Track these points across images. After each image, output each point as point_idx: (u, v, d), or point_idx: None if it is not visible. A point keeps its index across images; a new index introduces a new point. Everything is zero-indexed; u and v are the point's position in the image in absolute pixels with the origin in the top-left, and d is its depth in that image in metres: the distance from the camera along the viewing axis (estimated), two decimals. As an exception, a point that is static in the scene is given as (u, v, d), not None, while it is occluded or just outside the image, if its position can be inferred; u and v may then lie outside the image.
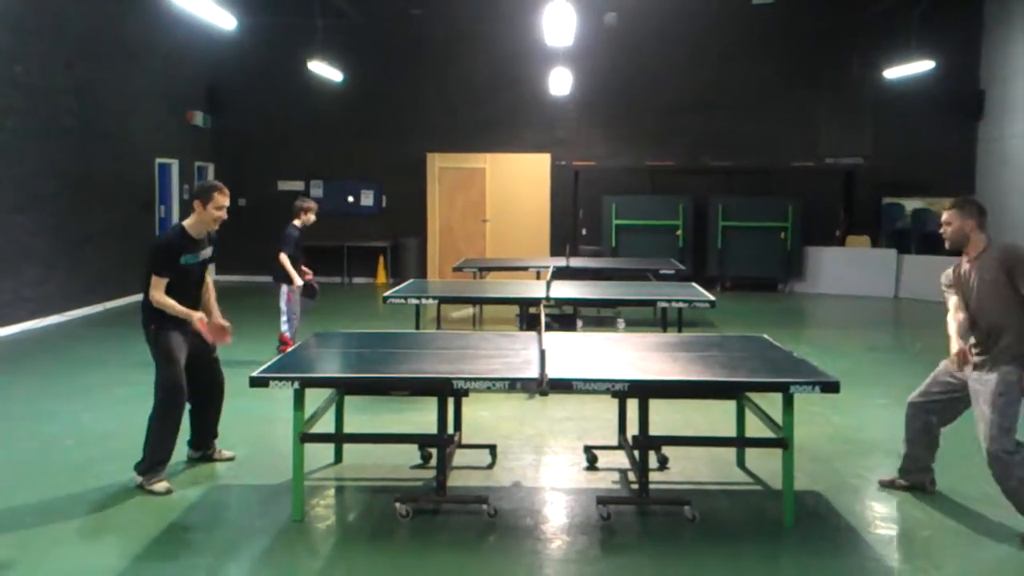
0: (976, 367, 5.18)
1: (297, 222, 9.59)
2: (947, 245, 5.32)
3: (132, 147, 14.94)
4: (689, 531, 5.09)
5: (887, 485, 5.85)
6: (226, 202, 5.88)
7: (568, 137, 18.06)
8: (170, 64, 16.26)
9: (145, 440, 5.69)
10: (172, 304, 5.68)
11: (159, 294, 5.67)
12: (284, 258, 9.36)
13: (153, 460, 5.66)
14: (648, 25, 17.50)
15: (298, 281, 9.35)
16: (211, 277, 6.31)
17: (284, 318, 9.48)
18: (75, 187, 13.13)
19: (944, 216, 5.28)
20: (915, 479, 5.77)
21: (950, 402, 5.48)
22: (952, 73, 16.90)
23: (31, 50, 12.14)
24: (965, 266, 5.27)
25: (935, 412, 5.56)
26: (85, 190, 13.37)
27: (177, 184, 16.55)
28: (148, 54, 15.39)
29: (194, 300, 5.90)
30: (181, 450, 6.06)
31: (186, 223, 5.87)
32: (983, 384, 5.09)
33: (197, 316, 5.76)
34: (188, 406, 5.92)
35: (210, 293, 6.21)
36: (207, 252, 6.02)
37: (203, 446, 6.23)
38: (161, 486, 5.60)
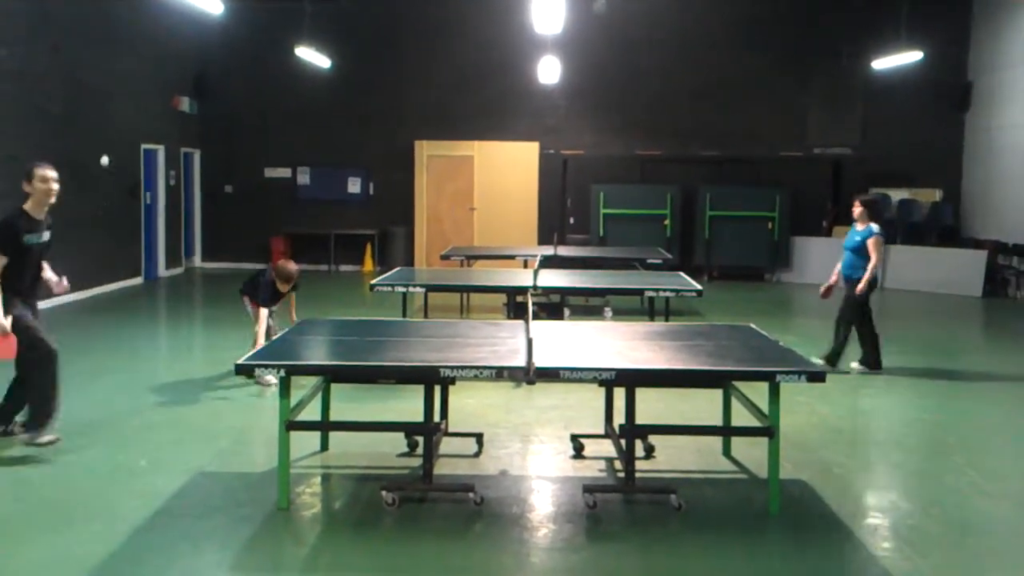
0: None
1: (279, 287, 8.40)
2: None
3: (118, 133, 14.82)
4: (675, 519, 5.10)
5: None
6: (51, 174, 6.25)
7: (557, 125, 18.02)
8: (156, 49, 16.13)
9: (29, 403, 6.01)
10: None
11: None
12: (262, 312, 8.25)
13: (40, 417, 5.97)
14: (637, 13, 17.46)
15: (260, 341, 7.91)
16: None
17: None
18: (60, 173, 12.94)
19: None
20: None
21: None
22: (940, 64, 16.93)
23: (15, 34, 12.01)
24: None
25: None
26: (70, 176, 13.20)
27: (163, 170, 16.44)
28: (134, 38, 15.27)
29: (36, 281, 6.25)
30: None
31: (25, 206, 6.15)
32: None
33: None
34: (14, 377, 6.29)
35: (47, 272, 6.51)
36: (47, 235, 6.30)
37: (5, 420, 6.33)
38: (47, 438, 5.93)
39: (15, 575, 4.36)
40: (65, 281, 6.47)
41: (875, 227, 8.93)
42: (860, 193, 9.92)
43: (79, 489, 5.47)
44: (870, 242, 8.83)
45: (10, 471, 5.79)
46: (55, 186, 6.21)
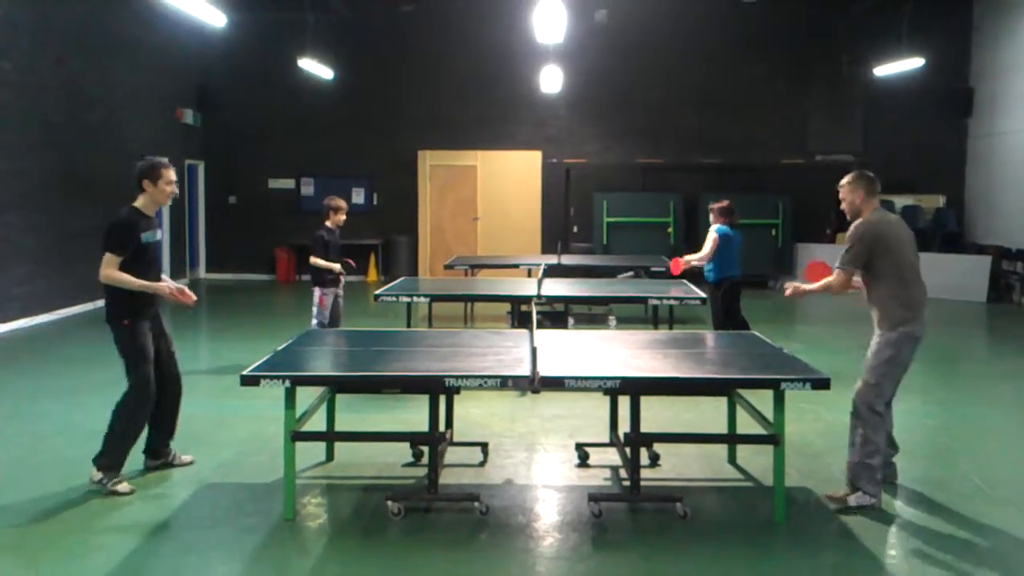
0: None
1: (328, 223, 9.11)
2: (848, 218, 5.69)
3: (121, 144, 14.86)
4: (680, 528, 5.10)
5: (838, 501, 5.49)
6: (174, 176, 5.86)
7: (559, 135, 18.06)
8: (160, 61, 16.20)
9: (109, 436, 5.60)
10: (130, 279, 5.56)
11: (112, 271, 5.55)
12: (314, 260, 9.00)
13: (116, 458, 5.58)
14: (639, 23, 17.51)
15: (335, 266, 8.97)
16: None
17: (314, 321, 9.05)
18: (64, 184, 13.07)
19: (840, 193, 5.75)
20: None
21: None
22: (942, 70, 16.95)
23: (19, 47, 12.07)
24: None
25: None
26: (74, 187, 13.32)
27: (167, 182, 16.47)
28: (137, 50, 15.33)
29: (155, 280, 5.81)
30: (135, 459, 5.90)
31: (137, 203, 5.78)
32: (869, 348, 5.46)
33: (165, 286, 5.69)
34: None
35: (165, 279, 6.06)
36: (160, 233, 5.96)
37: (161, 454, 6.06)
38: (124, 487, 5.54)
39: (22, 587, 4.37)
40: (188, 290, 5.90)
41: (716, 227, 9.36)
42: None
43: (85, 501, 5.47)
44: (709, 238, 9.32)
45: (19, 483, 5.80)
46: (176, 189, 5.89)
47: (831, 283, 5.60)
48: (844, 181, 5.70)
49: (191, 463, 6.15)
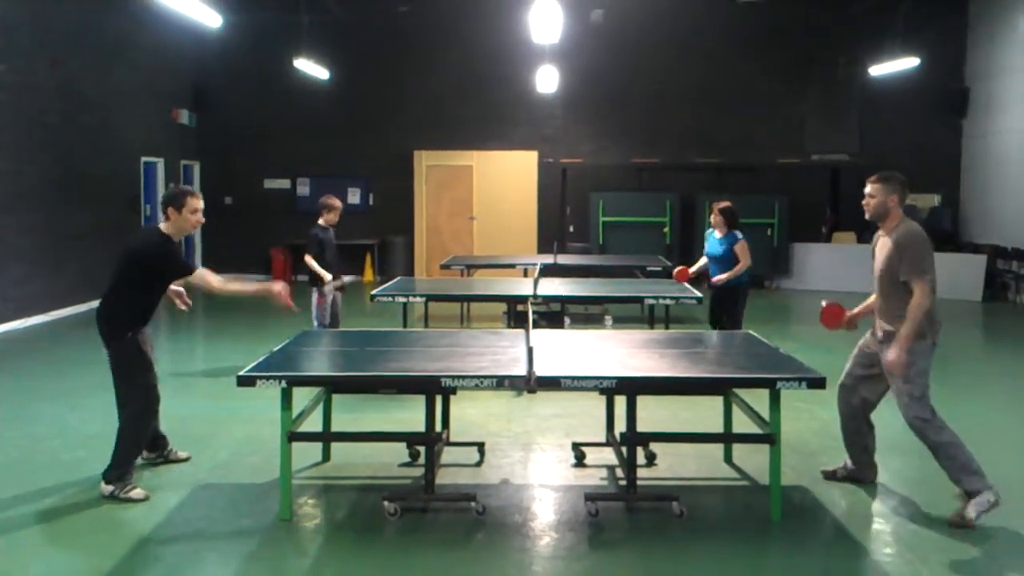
0: (882, 341, 5.34)
1: (321, 221, 9.07)
2: (867, 216, 5.44)
3: (117, 145, 14.86)
4: (677, 527, 5.11)
5: (829, 476, 5.92)
6: (200, 204, 5.72)
7: (555, 134, 18.06)
8: (155, 61, 16.18)
9: (118, 452, 5.53)
10: (241, 287, 6.00)
11: (215, 281, 5.61)
12: (308, 259, 8.97)
13: (125, 467, 5.53)
14: (635, 22, 17.51)
15: (327, 277, 8.95)
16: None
17: (315, 323, 9.03)
18: (60, 185, 13.05)
19: (868, 188, 5.39)
20: (855, 470, 5.87)
21: (871, 378, 5.59)
22: (937, 70, 16.97)
23: (15, 48, 12.05)
24: (880, 238, 5.45)
25: (859, 391, 5.68)
26: (70, 188, 13.30)
27: (163, 183, 16.46)
28: (133, 51, 15.31)
29: (157, 305, 5.75)
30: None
31: (163, 227, 5.69)
32: (893, 362, 5.26)
33: (278, 286, 5.70)
34: None
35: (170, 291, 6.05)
36: None
37: (158, 445, 6.10)
38: (138, 492, 5.49)
39: (18, 589, 4.37)
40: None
41: (738, 233, 8.98)
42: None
43: (80, 503, 5.47)
44: (738, 248, 8.88)
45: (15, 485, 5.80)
46: (202, 218, 5.76)
47: (922, 301, 5.18)
48: (876, 179, 5.35)
49: (188, 459, 6.17)
